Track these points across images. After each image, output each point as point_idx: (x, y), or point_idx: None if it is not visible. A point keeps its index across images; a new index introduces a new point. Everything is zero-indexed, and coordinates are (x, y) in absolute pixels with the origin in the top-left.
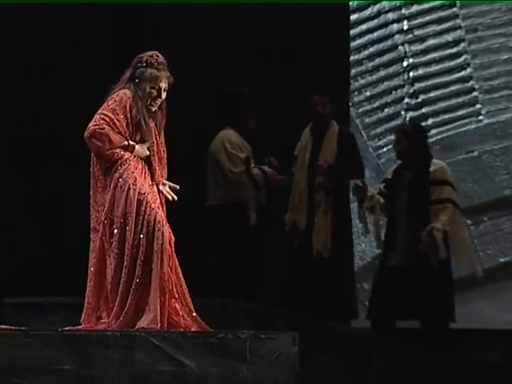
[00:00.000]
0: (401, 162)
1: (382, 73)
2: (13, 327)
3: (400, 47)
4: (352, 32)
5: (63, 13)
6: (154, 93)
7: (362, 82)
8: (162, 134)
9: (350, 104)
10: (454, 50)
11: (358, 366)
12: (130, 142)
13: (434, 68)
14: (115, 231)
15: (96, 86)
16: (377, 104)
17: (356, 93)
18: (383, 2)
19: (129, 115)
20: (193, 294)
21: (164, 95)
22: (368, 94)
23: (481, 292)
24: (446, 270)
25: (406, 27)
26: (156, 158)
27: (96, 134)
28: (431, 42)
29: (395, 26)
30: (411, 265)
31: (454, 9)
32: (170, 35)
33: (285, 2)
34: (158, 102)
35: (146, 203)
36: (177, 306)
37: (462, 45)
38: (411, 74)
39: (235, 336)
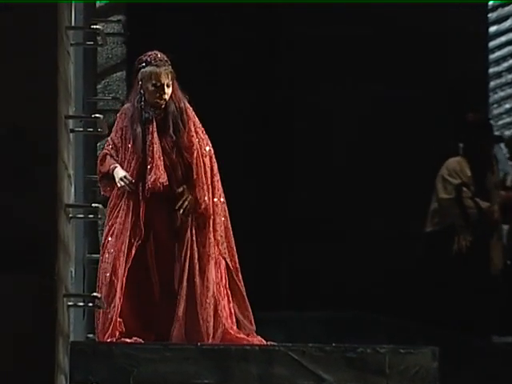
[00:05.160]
0: None
1: None
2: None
3: None
4: (491, 44)
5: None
6: (157, 89)
7: (501, 94)
8: (187, 127)
9: (490, 117)
10: None
11: (500, 382)
12: (115, 164)
13: None
14: None
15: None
16: None
17: (495, 105)
18: None
19: (122, 130)
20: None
21: (168, 91)
22: (508, 106)
23: None
24: None
25: None
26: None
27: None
28: None
29: None
30: None
31: None
32: (307, 47)
33: (423, 14)
34: (165, 97)
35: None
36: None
37: None
38: None
39: (374, 350)
